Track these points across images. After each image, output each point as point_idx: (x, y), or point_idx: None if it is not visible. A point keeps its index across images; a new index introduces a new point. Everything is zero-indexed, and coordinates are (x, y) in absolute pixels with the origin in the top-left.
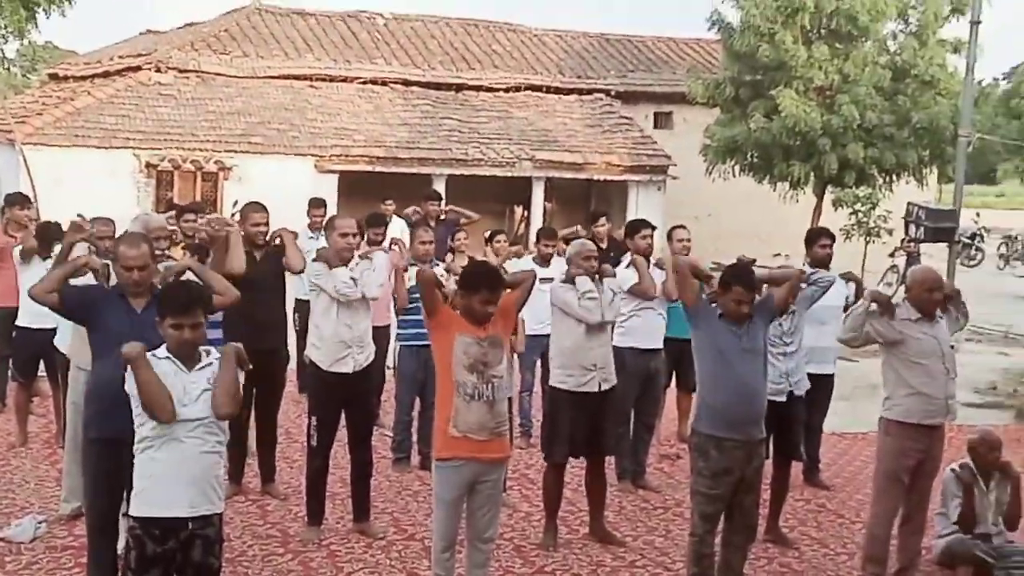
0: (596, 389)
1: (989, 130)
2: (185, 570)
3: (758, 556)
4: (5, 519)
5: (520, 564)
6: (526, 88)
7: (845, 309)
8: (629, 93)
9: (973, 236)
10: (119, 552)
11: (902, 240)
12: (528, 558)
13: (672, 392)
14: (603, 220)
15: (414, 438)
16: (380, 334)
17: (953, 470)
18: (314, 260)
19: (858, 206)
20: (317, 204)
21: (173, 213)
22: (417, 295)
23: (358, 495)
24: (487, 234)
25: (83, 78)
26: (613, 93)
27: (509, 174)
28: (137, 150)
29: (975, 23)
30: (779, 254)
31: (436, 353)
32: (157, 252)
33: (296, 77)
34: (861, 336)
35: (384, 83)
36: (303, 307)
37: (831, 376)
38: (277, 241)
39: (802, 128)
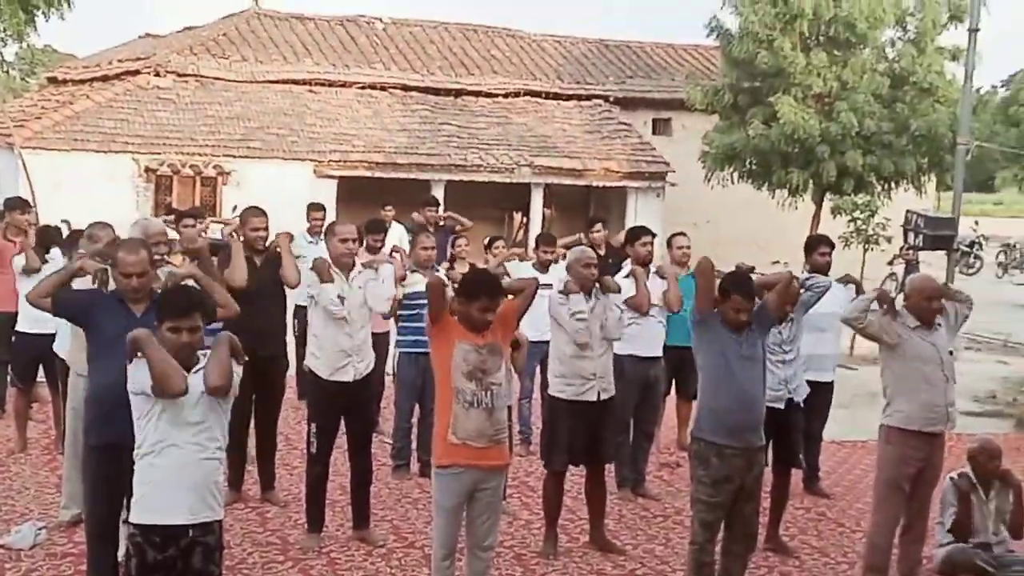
0: (595, 398)
1: (987, 138)
2: None
3: (758, 565)
4: (5, 526)
5: (520, 572)
6: (525, 94)
7: None
8: (628, 99)
9: (972, 244)
10: (119, 559)
11: (901, 248)
12: (528, 566)
13: (672, 400)
14: (599, 226)
15: (413, 445)
16: (379, 341)
17: (952, 479)
18: (310, 268)
19: (857, 214)
20: (316, 208)
21: (172, 217)
22: (414, 302)
23: (358, 502)
24: (486, 240)
25: (82, 82)
26: (612, 99)
27: (508, 180)
28: (136, 154)
29: (973, 31)
30: (778, 261)
31: (435, 360)
32: (156, 257)
33: (295, 82)
34: (864, 318)
35: (383, 88)
36: (302, 313)
37: (830, 383)
38: (277, 248)
39: (800, 135)
